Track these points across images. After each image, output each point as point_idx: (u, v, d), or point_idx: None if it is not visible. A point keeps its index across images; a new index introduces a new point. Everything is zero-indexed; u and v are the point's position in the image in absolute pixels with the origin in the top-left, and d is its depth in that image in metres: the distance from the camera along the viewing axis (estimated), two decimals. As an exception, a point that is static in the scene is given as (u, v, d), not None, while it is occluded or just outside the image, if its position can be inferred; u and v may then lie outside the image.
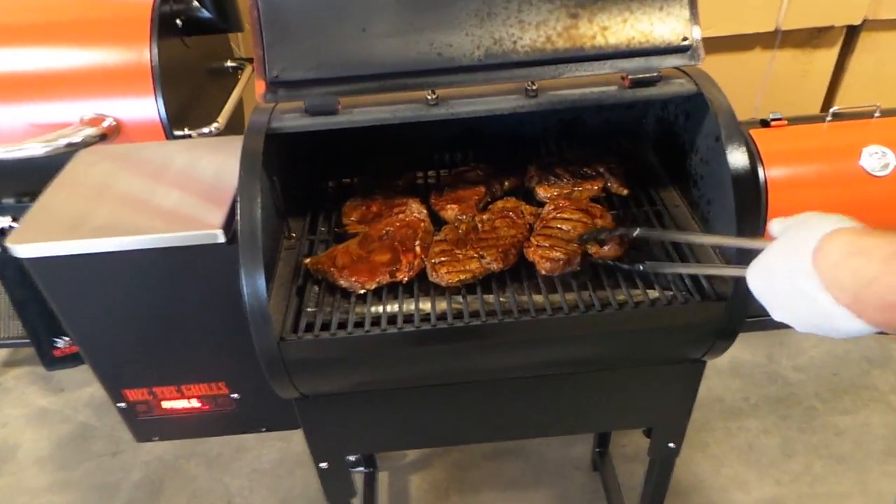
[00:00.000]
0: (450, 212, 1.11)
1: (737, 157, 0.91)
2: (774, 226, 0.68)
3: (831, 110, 2.04)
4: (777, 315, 0.65)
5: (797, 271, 0.58)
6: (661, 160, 1.24)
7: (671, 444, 1.23)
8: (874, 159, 1.98)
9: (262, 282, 0.88)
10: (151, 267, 0.98)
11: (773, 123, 2.03)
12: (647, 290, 0.97)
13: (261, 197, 0.90)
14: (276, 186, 1.06)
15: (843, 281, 0.55)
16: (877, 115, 2.07)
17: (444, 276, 0.97)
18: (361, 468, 1.88)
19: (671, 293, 0.97)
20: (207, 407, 1.17)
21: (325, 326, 0.95)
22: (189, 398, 1.16)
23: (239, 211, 0.89)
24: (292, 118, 0.98)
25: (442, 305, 0.98)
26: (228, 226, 0.95)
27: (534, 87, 0.97)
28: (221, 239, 0.95)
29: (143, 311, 1.04)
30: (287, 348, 0.92)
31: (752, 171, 0.91)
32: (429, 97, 0.97)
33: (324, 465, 1.19)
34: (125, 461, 2.03)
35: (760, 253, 0.67)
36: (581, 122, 1.31)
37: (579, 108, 0.98)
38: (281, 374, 0.95)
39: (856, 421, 2.05)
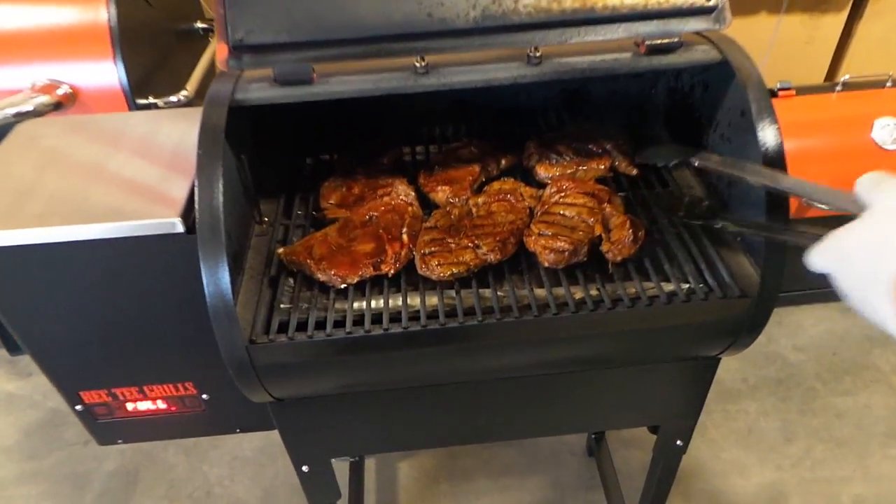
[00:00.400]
0: (441, 194, 1.00)
1: (769, 136, 0.80)
2: (867, 185, 0.58)
3: (842, 80, 1.93)
4: (849, 300, 0.57)
5: (879, 282, 0.52)
6: (673, 136, 1.13)
7: (679, 442, 1.15)
8: (886, 132, 1.88)
9: (225, 279, 0.77)
10: (100, 260, 0.86)
11: (780, 93, 1.92)
12: (662, 283, 0.87)
13: (224, 179, 0.79)
14: (244, 165, 0.94)
15: None
16: (888, 84, 1.96)
17: (435, 268, 0.86)
18: (347, 456, 1.79)
19: (688, 286, 0.87)
20: (174, 408, 1.07)
21: (302, 326, 0.85)
22: (153, 399, 1.05)
23: (197, 197, 0.77)
24: (260, 88, 0.85)
25: (432, 301, 0.87)
26: (188, 213, 0.83)
27: (537, 54, 0.85)
28: (180, 228, 0.83)
29: (95, 307, 0.92)
30: (257, 352, 0.81)
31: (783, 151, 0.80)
32: (417, 65, 0.85)
33: (305, 468, 1.09)
34: (98, 450, 1.93)
35: (843, 228, 0.57)
36: (585, 92, 1.19)
37: (586, 78, 0.87)
38: (251, 380, 0.84)
39: (857, 402, 1.99)
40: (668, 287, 0.87)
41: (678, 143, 1.10)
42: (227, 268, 0.77)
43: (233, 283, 0.80)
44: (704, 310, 0.84)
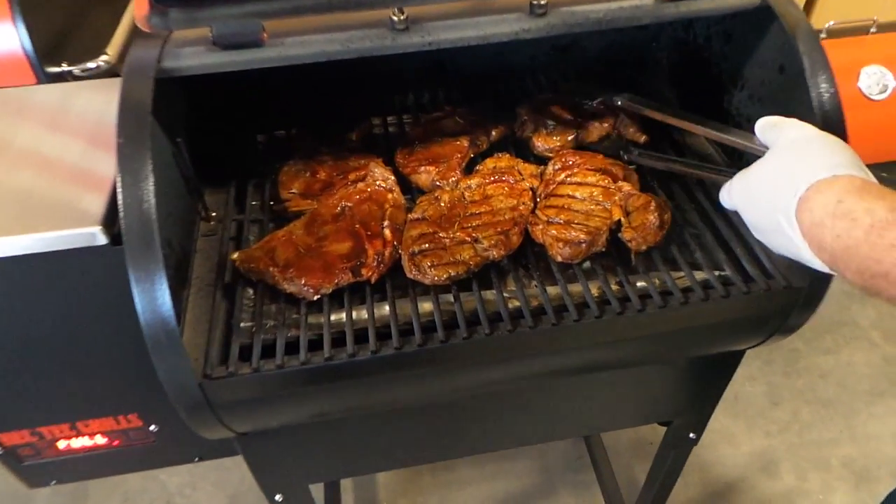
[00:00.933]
0: (424, 176, 0.84)
1: (825, 96, 0.67)
2: (765, 128, 0.64)
3: (826, 26, 1.83)
4: (756, 235, 0.63)
5: (780, 210, 0.55)
6: (681, 96, 0.99)
7: (692, 435, 1.05)
8: (872, 81, 1.80)
9: (165, 300, 0.60)
10: (4, 281, 0.67)
11: (763, 43, 1.80)
12: (694, 272, 0.74)
13: (155, 171, 0.61)
14: (180, 150, 0.75)
15: (824, 241, 0.52)
16: (873, 30, 1.87)
17: (427, 271, 0.71)
18: (325, 480, 1.65)
19: (723, 273, 0.74)
20: (118, 442, 0.90)
21: (268, 349, 0.69)
22: (90, 435, 0.88)
23: (121, 199, 0.60)
24: (195, 54, 0.66)
25: (426, 307, 0.73)
26: (112, 219, 0.65)
27: (542, 2, 0.69)
28: (102, 239, 0.65)
29: (4, 336, 0.74)
30: (214, 390, 0.65)
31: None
32: (395, 18, 0.67)
33: (278, 497, 0.95)
34: (39, 465, 1.73)
35: (748, 168, 0.62)
36: (578, 48, 1.03)
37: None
38: (207, 419, 0.68)
39: (839, 361, 1.96)
40: (701, 275, 0.74)
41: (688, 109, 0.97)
42: (166, 286, 0.60)
43: (176, 301, 0.64)
44: (747, 305, 0.72)
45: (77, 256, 0.66)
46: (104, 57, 1.38)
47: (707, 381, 0.93)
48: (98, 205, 0.66)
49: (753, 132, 0.66)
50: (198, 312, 0.72)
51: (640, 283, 0.74)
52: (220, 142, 0.91)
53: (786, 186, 0.55)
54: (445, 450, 0.97)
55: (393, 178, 0.83)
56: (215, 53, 0.66)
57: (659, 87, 1.02)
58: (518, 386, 0.84)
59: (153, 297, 0.60)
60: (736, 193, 0.63)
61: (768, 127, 0.63)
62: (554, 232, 0.73)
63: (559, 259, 0.74)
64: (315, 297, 0.72)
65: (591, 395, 0.92)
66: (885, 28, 1.86)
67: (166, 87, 0.67)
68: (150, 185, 0.60)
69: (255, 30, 0.66)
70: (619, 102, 0.89)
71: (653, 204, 0.75)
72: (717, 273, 0.74)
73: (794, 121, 0.62)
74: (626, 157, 0.85)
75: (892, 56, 1.78)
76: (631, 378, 0.90)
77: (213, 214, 0.84)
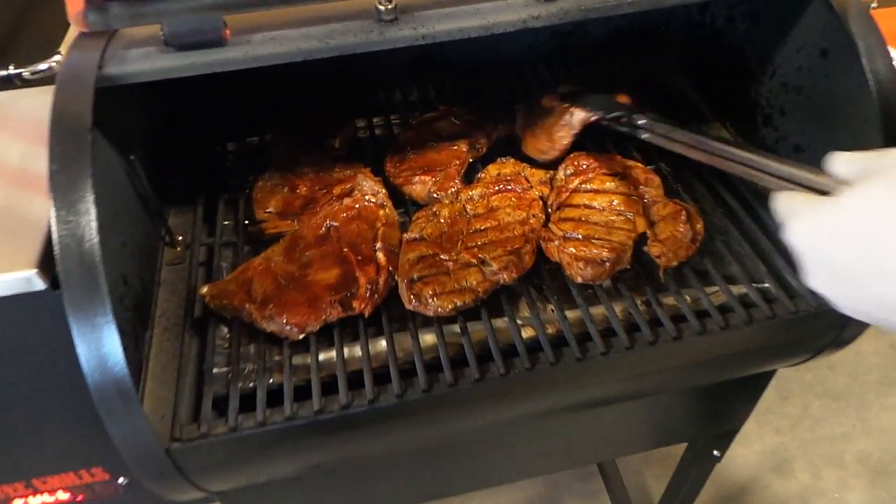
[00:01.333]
0: (419, 187, 0.74)
1: (886, 86, 0.58)
2: (842, 165, 0.43)
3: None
4: (816, 284, 0.43)
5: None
6: (697, 85, 0.90)
7: (716, 453, 0.97)
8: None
9: (116, 356, 0.50)
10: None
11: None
12: (731, 286, 0.65)
13: (99, 201, 0.50)
14: (136, 168, 0.65)
15: None
16: (874, 6, 1.79)
17: (430, 302, 0.61)
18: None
19: (763, 286, 0.65)
20: (82, 497, 0.79)
21: (248, 399, 0.59)
22: (51, 492, 0.77)
23: (56, 237, 0.49)
24: (144, 57, 0.55)
25: (429, 339, 0.63)
26: (52, 259, 0.55)
27: (552, -16, 0.59)
28: (40, 284, 0.54)
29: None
30: (185, 456, 0.55)
31: None
32: (381, 8, 0.57)
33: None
34: None
35: (829, 201, 0.41)
36: (582, 33, 0.93)
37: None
38: (177, 485, 0.58)
39: (847, 350, 1.86)
40: (738, 290, 0.65)
41: (704, 98, 0.87)
42: (117, 339, 0.50)
43: (136, 349, 0.54)
44: (794, 325, 0.63)
45: (13, 304, 0.55)
46: (57, 57, 1.26)
47: (737, 398, 0.85)
48: (34, 243, 0.55)
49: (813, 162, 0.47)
50: (163, 359, 0.62)
51: (670, 301, 0.65)
52: (185, 154, 0.80)
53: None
54: (446, 488, 0.88)
55: (384, 191, 0.72)
56: (169, 56, 0.55)
57: (670, 76, 0.93)
58: (532, 421, 0.75)
59: (101, 355, 0.49)
60: (801, 229, 0.43)
61: (847, 162, 0.44)
62: (572, 249, 0.64)
63: (579, 280, 0.64)
64: (300, 337, 0.62)
65: (612, 420, 0.83)
66: (886, 3, 1.78)
67: (115, 94, 0.56)
68: (91, 219, 0.49)
69: (216, 26, 0.55)
70: (645, 136, 0.68)
71: (683, 214, 0.66)
72: (755, 286, 0.65)
73: None
74: (643, 136, 0.68)
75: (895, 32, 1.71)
76: (654, 401, 0.81)
77: (180, 238, 0.73)
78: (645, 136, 0.68)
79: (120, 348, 0.50)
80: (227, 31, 0.55)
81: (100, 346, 0.50)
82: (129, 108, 0.67)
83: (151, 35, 0.56)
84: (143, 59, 0.55)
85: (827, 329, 0.65)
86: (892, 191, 0.38)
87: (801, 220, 0.42)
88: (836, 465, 1.64)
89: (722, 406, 0.86)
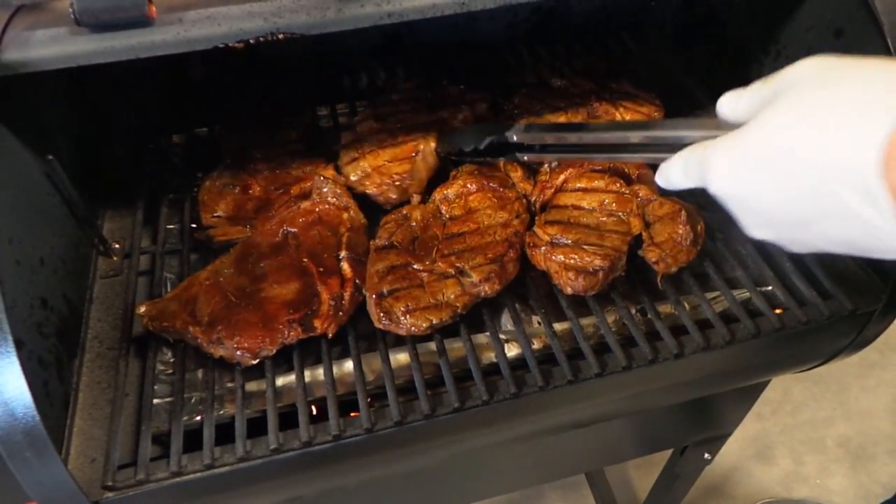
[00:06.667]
0: (375, 188, 0.65)
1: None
2: (730, 104, 0.41)
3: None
4: (773, 235, 0.41)
5: (838, 178, 0.35)
6: (689, 64, 0.83)
7: (707, 456, 0.92)
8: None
9: (24, 400, 0.42)
10: None
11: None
12: (734, 290, 0.59)
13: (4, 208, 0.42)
14: (56, 169, 0.56)
15: None
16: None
17: (402, 319, 0.54)
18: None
19: (766, 290, 0.59)
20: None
21: (193, 438, 0.51)
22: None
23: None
24: (52, 40, 0.46)
25: (402, 359, 0.56)
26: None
27: (537, -47, 0.51)
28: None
29: None
30: (119, 509, 0.48)
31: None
32: (338, -19, 0.49)
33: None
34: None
35: (737, 132, 0.39)
36: (565, 9, 0.85)
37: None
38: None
39: (826, 333, 1.88)
40: (742, 294, 0.59)
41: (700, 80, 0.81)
42: (22, 382, 0.42)
43: (60, 379, 0.46)
44: (805, 336, 0.57)
45: None
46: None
47: (733, 404, 0.80)
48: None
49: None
50: (96, 391, 0.54)
51: (667, 310, 0.59)
52: (121, 149, 0.71)
53: (843, 138, 0.35)
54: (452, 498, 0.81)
55: (347, 192, 0.64)
56: (82, 38, 0.46)
57: (662, 55, 0.86)
58: (521, 441, 0.69)
59: (3, 402, 0.41)
60: (722, 173, 0.40)
61: (751, 92, 0.40)
62: (561, 257, 0.57)
63: (569, 291, 0.57)
64: (253, 362, 0.54)
65: (603, 432, 0.77)
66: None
67: (26, 84, 0.47)
68: (-11, 240, 0.41)
69: (138, 2, 0.46)
70: (515, 138, 0.60)
71: (682, 213, 0.59)
72: (760, 290, 0.59)
73: (802, 61, 0.38)
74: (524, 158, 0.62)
75: None
76: (654, 413, 0.76)
77: (116, 246, 0.64)
78: (524, 157, 0.61)
79: (28, 393, 0.42)
80: (153, 8, 0.46)
81: (1, 392, 0.41)
82: (46, 99, 0.58)
83: (61, 13, 0.47)
84: (51, 43, 0.46)
85: (842, 335, 0.59)
86: (795, 112, 0.36)
87: (715, 168, 0.40)
88: (818, 451, 1.62)
89: (716, 412, 0.81)
